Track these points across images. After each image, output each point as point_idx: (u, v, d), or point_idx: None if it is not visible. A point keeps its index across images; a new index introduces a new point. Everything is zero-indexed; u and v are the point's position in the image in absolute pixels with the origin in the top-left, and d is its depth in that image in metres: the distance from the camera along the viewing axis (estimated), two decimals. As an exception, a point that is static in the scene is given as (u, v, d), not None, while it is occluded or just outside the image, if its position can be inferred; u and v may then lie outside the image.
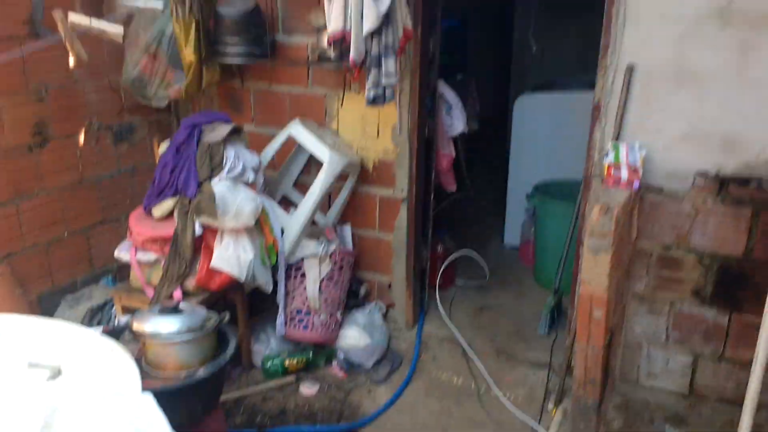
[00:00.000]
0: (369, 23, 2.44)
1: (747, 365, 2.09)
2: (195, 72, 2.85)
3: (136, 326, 2.07)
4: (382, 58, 2.54)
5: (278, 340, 3.04)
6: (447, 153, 3.39)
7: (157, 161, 2.84)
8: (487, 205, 4.65)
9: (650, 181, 2.50)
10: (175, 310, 2.09)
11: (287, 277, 2.97)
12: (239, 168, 2.67)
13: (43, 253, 2.88)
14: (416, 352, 3.16)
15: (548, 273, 3.55)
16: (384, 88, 2.61)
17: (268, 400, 2.85)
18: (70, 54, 2.15)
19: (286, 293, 2.97)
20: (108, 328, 2.46)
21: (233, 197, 2.59)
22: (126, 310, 2.74)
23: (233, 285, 2.74)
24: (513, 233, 4.20)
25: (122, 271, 3.09)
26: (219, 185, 2.60)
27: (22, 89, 2.69)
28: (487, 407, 2.85)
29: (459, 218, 4.36)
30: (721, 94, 2.34)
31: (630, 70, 2.44)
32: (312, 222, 3.05)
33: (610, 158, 2.45)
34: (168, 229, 2.61)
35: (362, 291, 3.30)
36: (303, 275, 2.98)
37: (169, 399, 1.33)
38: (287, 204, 3.19)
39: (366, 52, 2.53)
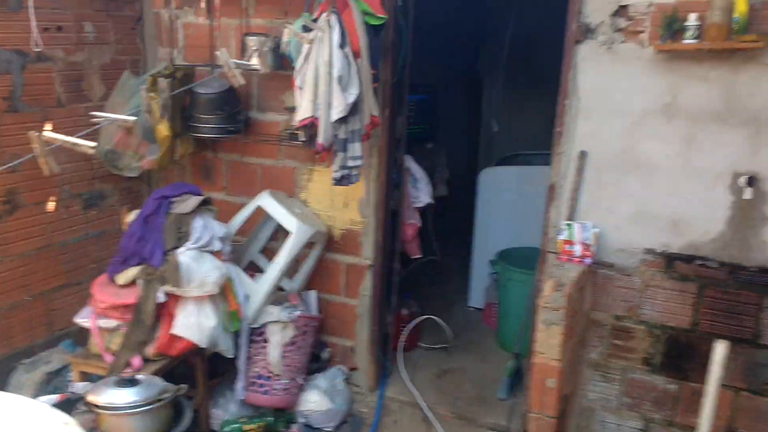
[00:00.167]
0: (336, 112, 2.53)
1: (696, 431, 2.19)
2: (168, 146, 2.92)
3: (91, 398, 2.07)
4: (349, 144, 2.62)
5: (238, 405, 3.02)
6: (412, 223, 3.49)
7: (124, 229, 2.87)
8: (455, 268, 4.73)
9: (602, 257, 2.62)
10: (131, 381, 2.10)
11: (250, 341, 2.98)
12: (206, 238, 2.72)
13: (2, 317, 2.86)
14: (377, 416, 3.16)
15: (510, 337, 3.61)
16: (350, 169, 2.68)
17: (226, 469, 2.81)
18: (43, 167, 2.28)
19: (248, 357, 2.97)
20: (65, 396, 2.45)
21: (198, 267, 2.62)
22: (84, 376, 2.71)
23: (194, 350, 2.74)
24: (477, 295, 4.29)
25: (82, 335, 3.05)
26: (185, 255, 2.64)
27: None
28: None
29: (426, 281, 4.43)
30: (668, 181, 2.50)
31: (582, 157, 2.60)
32: (279, 288, 3.09)
33: (564, 235, 2.58)
34: (130, 297, 2.62)
35: (325, 355, 3.31)
36: (266, 340, 2.99)
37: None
38: (254, 269, 3.23)
39: (334, 137, 2.61)
